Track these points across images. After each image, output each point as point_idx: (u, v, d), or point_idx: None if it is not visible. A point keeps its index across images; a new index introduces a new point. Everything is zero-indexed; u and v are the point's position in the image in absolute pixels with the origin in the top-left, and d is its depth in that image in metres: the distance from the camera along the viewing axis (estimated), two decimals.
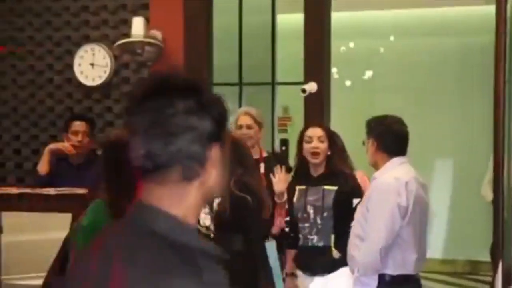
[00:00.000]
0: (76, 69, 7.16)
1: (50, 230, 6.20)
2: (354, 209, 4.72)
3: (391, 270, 4.42)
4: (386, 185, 4.41)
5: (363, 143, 4.73)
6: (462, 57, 10.41)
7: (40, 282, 6.59)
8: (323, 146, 5.07)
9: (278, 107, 7.74)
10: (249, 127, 5.83)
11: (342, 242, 4.75)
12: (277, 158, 5.90)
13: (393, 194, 4.35)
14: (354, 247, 4.50)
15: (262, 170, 5.82)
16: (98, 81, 7.11)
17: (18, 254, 6.36)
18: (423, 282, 9.76)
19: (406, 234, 4.40)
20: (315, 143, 5.05)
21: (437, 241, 10.46)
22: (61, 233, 6.04)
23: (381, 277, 4.42)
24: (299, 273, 5.20)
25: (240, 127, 5.82)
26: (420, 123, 10.43)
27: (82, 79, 7.16)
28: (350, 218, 4.66)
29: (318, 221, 4.97)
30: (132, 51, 6.86)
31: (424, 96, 10.56)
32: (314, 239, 4.98)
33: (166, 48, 6.93)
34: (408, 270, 4.45)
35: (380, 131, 4.57)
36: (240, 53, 7.02)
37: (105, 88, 7.14)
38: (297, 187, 5.17)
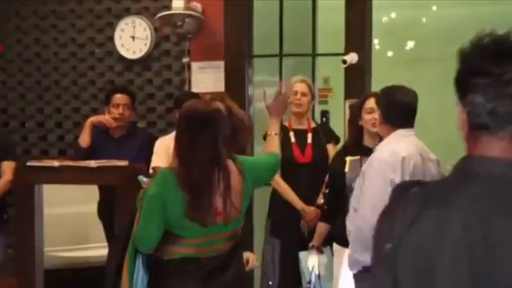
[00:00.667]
0: (117, 42, 7.18)
1: (91, 203, 6.28)
2: None
3: None
4: (381, 159, 4.22)
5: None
6: (507, 27, 10.23)
7: (79, 254, 6.69)
8: None
9: (319, 78, 7.69)
10: (303, 94, 5.89)
11: None
12: (323, 129, 5.92)
13: (387, 169, 4.15)
14: (350, 220, 4.37)
15: (309, 140, 5.84)
16: (138, 54, 7.12)
17: (60, 226, 6.44)
18: None
19: None
20: (376, 114, 4.95)
21: None
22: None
23: None
24: (337, 247, 5.06)
25: (296, 93, 5.86)
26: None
27: (123, 52, 7.17)
28: None
29: None
30: (173, 23, 6.84)
31: None
32: None
33: (206, 20, 6.91)
34: None
35: (385, 102, 4.42)
36: (281, 24, 6.97)
37: (146, 60, 7.15)
38: (348, 158, 5.02)
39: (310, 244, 5.35)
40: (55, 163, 5.52)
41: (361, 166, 4.69)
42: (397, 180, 4.09)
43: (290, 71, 6.96)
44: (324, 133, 5.99)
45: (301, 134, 5.92)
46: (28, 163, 5.59)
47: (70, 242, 6.68)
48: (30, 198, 5.50)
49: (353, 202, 4.38)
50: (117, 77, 7.26)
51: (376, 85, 6.83)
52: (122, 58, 7.20)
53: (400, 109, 4.36)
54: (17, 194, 5.73)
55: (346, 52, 6.49)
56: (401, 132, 4.33)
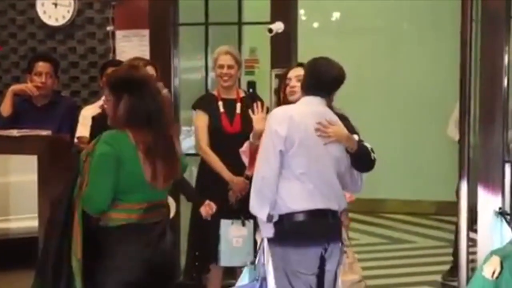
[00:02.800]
0: (39, 9, 7.06)
1: (13, 172, 6.16)
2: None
3: (289, 204, 4.25)
4: (272, 114, 4.39)
5: None
6: None
7: (6, 225, 6.59)
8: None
9: (245, 48, 7.65)
10: (230, 67, 5.80)
11: None
12: (252, 99, 5.87)
13: (274, 123, 4.27)
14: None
15: (238, 110, 5.80)
16: (61, 21, 7.01)
17: None
18: (386, 222, 9.94)
19: (296, 165, 4.24)
20: (293, 83, 4.96)
21: (402, 182, 10.52)
22: (24, 176, 6.01)
23: (281, 219, 4.26)
24: None
25: (221, 66, 5.79)
26: (389, 64, 10.45)
27: (45, 19, 7.05)
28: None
29: None
30: None
31: (393, 38, 10.51)
32: None
33: None
34: (309, 203, 4.27)
35: (305, 72, 4.52)
36: None
37: (69, 28, 7.03)
38: None
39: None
40: (14, 133, 5.38)
41: None
42: (282, 133, 4.21)
43: (216, 40, 6.90)
44: (252, 102, 5.94)
45: (229, 104, 5.86)
46: None
47: None
48: None
49: None
50: (39, 45, 7.13)
51: (302, 56, 6.83)
52: (44, 25, 7.07)
53: (314, 79, 4.44)
54: None
55: (272, 21, 6.46)
56: (307, 99, 4.42)
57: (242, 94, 5.93)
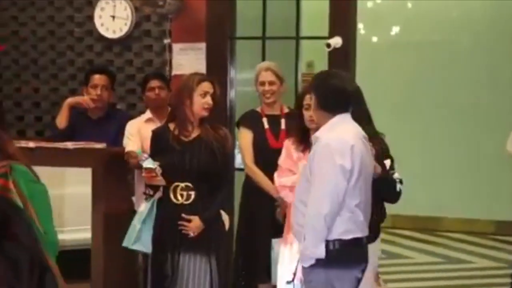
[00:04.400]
0: (97, 21, 7.05)
1: (68, 185, 6.16)
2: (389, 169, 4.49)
3: (338, 235, 4.09)
4: (328, 146, 4.07)
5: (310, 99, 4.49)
6: (492, 14, 10.19)
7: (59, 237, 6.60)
8: None
9: (302, 62, 7.59)
10: (271, 83, 5.74)
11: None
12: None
13: (336, 155, 4.01)
14: (299, 214, 4.19)
15: (283, 126, 5.73)
16: (118, 34, 7.00)
17: None
18: (443, 240, 9.76)
19: (353, 198, 4.08)
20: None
21: (460, 200, 10.34)
22: (79, 188, 6.02)
23: (328, 244, 4.08)
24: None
25: (263, 83, 5.74)
26: (446, 79, 10.29)
27: (102, 32, 7.05)
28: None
29: None
30: (154, 3, 6.73)
31: (451, 52, 10.35)
32: None
33: (188, 1, 6.78)
34: (357, 233, 4.14)
35: (320, 88, 4.24)
36: (264, 6, 6.84)
37: (126, 41, 7.02)
38: None
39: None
40: (31, 144, 5.42)
41: None
42: (348, 166, 4.01)
43: (273, 54, 6.84)
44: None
45: (274, 120, 5.80)
46: None
47: None
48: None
49: (298, 196, 4.24)
50: (96, 57, 7.13)
51: (361, 70, 6.76)
52: (101, 38, 7.07)
53: (336, 95, 4.20)
54: None
55: (331, 36, 6.39)
56: (338, 119, 4.18)
57: (286, 110, 5.86)
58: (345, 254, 4.10)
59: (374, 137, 4.41)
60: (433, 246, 9.56)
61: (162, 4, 6.68)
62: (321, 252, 4.05)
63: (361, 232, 4.15)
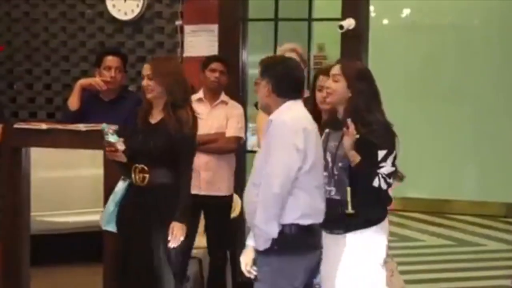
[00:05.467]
0: (108, 3, 7.03)
1: (80, 167, 6.16)
2: (380, 161, 4.19)
3: (294, 219, 4.07)
4: (283, 124, 4.05)
5: (255, 83, 4.48)
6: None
7: (68, 219, 6.60)
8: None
9: (314, 44, 7.56)
10: None
11: (358, 196, 4.21)
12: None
13: (290, 133, 4.02)
14: (252, 195, 4.13)
15: None
16: (130, 15, 6.98)
17: (47, 191, 6.32)
18: (454, 223, 9.75)
19: (308, 181, 4.05)
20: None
21: (470, 182, 10.32)
22: (91, 170, 6.01)
23: (284, 228, 4.04)
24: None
25: None
26: (459, 65, 10.25)
27: (114, 13, 7.03)
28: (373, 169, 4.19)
29: (334, 171, 4.30)
30: None
31: (463, 36, 10.31)
32: (332, 191, 4.28)
33: None
34: (314, 218, 4.12)
35: (278, 74, 4.21)
36: None
37: (137, 22, 7.00)
38: (326, 130, 4.51)
39: None
40: (43, 126, 5.39)
41: (327, 140, 4.40)
42: (300, 146, 4.00)
43: (285, 35, 6.81)
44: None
45: None
46: (16, 125, 5.46)
47: (56, 207, 6.58)
48: (17, 161, 5.38)
49: (252, 178, 4.19)
50: (108, 39, 7.12)
51: (372, 52, 6.72)
52: (113, 19, 7.06)
53: (294, 82, 4.24)
54: (3, 157, 5.59)
55: (343, 18, 6.36)
56: (291, 103, 4.19)
57: (306, 94, 5.79)
58: (300, 241, 4.09)
59: (367, 124, 4.22)
60: (444, 229, 9.55)
61: None
62: (273, 231, 4.01)
63: (317, 218, 4.14)
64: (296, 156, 4.01)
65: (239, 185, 6.06)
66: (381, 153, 4.18)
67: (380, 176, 4.15)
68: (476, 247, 8.75)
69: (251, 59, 6.85)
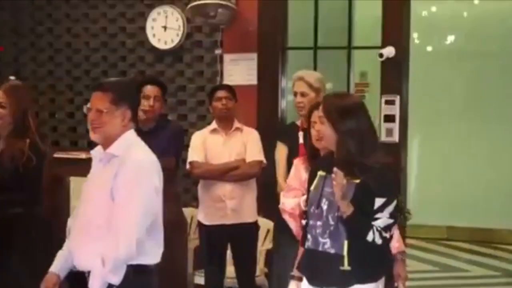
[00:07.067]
0: (149, 32, 7.07)
1: None
2: (375, 211, 3.63)
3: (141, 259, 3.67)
4: (141, 166, 3.67)
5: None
6: None
7: None
8: None
9: (356, 72, 7.52)
10: (303, 94, 5.33)
11: (356, 250, 3.67)
12: None
13: (151, 175, 3.67)
14: (94, 238, 3.64)
15: (300, 140, 5.33)
16: (170, 45, 7.01)
17: None
18: (500, 253, 9.56)
19: (157, 220, 3.74)
20: (319, 127, 4.26)
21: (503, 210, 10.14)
22: None
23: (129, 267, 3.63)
24: (304, 281, 3.98)
25: (295, 94, 5.41)
26: (502, 88, 10.12)
27: (154, 42, 7.06)
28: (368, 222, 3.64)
29: (330, 221, 3.74)
30: (205, 13, 6.69)
31: (507, 63, 10.17)
32: (327, 244, 3.74)
33: (240, 11, 6.76)
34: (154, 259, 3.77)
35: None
36: (316, 16, 6.80)
37: (177, 51, 7.03)
38: (319, 173, 3.92)
39: (290, 274, 4.17)
40: (83, 155, 5.42)
41: (323, 185, 3.81)
42: (157, 183, 3.69)
43: (325, 64, 6.78)
44: None
45: None
46: (55, 155, 5.50)
47: None
48: (58, 190, 5.42)
49: (95, 219, 3.69)
50: (148, 68, 7.15)
51: (415, 79, 6.67)
52: (153, 49, 7.09)
53: None
54: (45, 186, 5.61)
55: (383, 46, 6.32)
56: (130, 133, 3.83)
57: None
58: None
59: (365, 169, 3.66)
60: (490, 259, 9.37)
61: (214, 14, 6.65)
62: (117, 279, 3.62)
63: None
64: (156, 197, 3.72)
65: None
66: (378, 201, 3.63)
67: (375, 229, 3.62)
68: None
69: (290, 86, 6.81)
